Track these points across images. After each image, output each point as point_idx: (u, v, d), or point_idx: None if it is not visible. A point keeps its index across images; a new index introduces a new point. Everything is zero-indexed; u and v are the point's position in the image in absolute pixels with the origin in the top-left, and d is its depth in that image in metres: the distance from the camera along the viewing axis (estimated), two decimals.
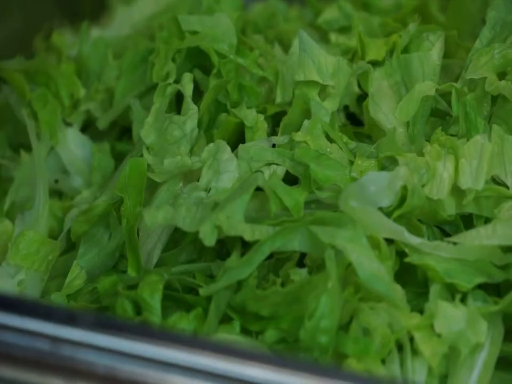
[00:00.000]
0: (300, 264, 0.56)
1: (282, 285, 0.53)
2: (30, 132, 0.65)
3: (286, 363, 0.44)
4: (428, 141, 0.58)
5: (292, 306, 0.52)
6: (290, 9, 0.78)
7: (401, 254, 0.54)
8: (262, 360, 0.45)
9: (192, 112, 0.61)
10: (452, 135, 0.58)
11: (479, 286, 0.53)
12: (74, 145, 0.69)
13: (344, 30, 0.71)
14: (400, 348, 0.51)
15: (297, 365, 0.44)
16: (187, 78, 0.63)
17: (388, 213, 0.54)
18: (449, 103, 0.60)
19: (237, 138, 0.62)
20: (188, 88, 0.62)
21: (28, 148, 0.67)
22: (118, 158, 0.68)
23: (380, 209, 0.54)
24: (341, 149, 0.59)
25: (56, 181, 0.68)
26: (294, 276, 0.53)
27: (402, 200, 0.55)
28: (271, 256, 0.55)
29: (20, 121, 0.69)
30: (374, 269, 0.51)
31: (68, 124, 0.69)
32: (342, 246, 0.51)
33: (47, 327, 0.46)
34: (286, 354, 0.51)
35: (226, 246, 0.58)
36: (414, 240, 0.53)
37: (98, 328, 0.45)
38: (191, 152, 0.61)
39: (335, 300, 0.50)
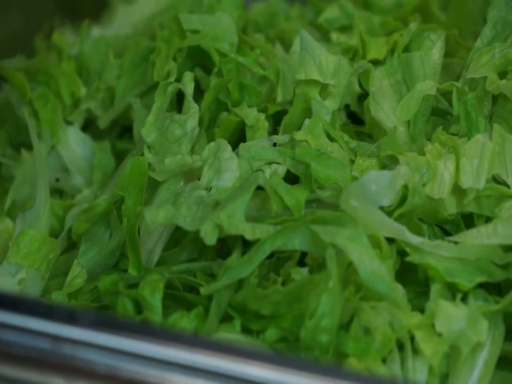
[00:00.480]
0: (301, 263, 0.56)
1: (283, 284, 0.53)
2: (31, 131, 0.65)
3: (287, 362, 0.44)
4: (429, 140, 0.58)
5: (293, 306, 0.52)
6: (291, 8, 0.78)
7: (402, 253, 0.54)
8: (262, 359, 0.45)
9: (193, 111, 0.61)
10: (452, 134, 0.58)
11: (480, 285, 0.53)
12: (75, 144, 0.69)
13: (345, 29, 0.71)
14: (400, 347, 0.51)
15: (298, 364, 0.44)
16: (188, 77, 0.63)
17: (388, 212, 0.54)
18: (450, 102, 0.60)
19: (238, 137, 0.62)
20: (188, 87, 0.62)
21: (29, 147, 0.67)
22: (119, 156, 0.68)
23: (381, 208, 0.54)
24: (342, 148, 0.59)
25: (57, 180, 0.68)
26: (295, 275, 0.53)
27: (403, 199, 0.54)
28: (272, 255, 0.54)
29: (21, 120, 0.69)
30: (374, 268, 0.51)
31: (69, 123, 0.69)
32: (342, 245, 0.51)
33: (48, 326, 0.46)
34: (286, 353, 0.51)
35: (227, 245, 0.58)
36: (415, 239, 0.53)
37: (99, 327, 0.45)
38: (192, 151, 0.61)
39: (336, 299, 0.50)
